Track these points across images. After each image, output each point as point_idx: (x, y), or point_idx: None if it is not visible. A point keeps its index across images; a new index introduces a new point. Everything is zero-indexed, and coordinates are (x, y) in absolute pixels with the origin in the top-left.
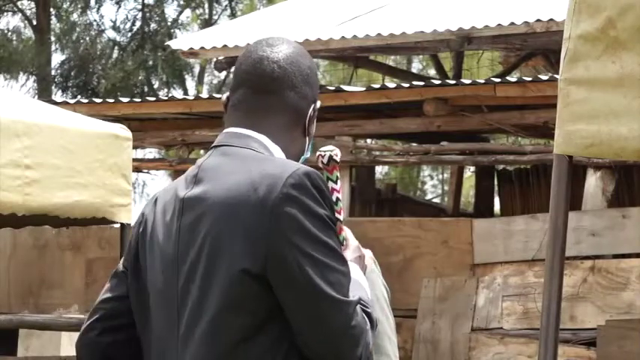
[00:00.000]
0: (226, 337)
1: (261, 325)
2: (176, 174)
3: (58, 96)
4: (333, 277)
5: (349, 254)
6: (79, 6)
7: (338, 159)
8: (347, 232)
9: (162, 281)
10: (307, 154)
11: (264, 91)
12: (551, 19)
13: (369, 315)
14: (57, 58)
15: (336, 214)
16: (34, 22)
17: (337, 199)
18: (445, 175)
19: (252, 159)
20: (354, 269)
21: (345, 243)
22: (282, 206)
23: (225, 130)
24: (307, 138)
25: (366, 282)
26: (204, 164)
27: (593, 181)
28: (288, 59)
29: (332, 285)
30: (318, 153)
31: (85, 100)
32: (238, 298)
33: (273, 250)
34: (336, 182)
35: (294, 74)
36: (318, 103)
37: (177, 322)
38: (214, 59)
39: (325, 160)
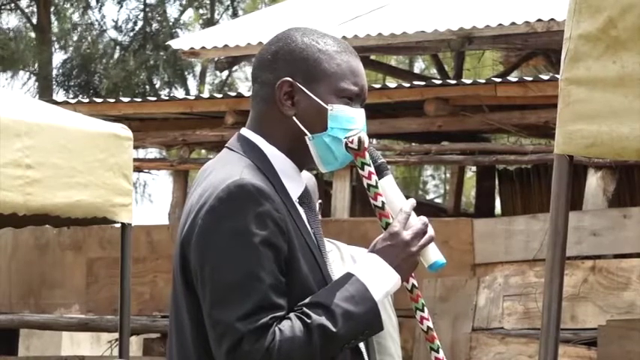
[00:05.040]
0: (184, 328)
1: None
2: (177, 174)
3: (59, 95)
4: (223, 294)
5: (379, 243)
6: (81, 5)
7: (366, 143)
8: (397, 216)
9: None
10: (327, 131)
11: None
12: (551, 19)
13: (306, 325)
14: (58, 57)
15: (371, 200)
16: (35, 22)
17: (370, 184)
18: (447, 175)
19: (223, 164)
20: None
21: (389, 229)
22: (205, 217)
23: None
24: (296, 118)
25: (373, 276)
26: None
27: (594, 181)
28: (257, 55)
29: (216, 301)
30: (344, 139)
31: (86, 100)
32: (184, 292)
33: (191, 259)
34: (370, 165)
35: (258, 67)
36: (286, 79)
37: None
38: (215, 59)
39: (356, 146)
